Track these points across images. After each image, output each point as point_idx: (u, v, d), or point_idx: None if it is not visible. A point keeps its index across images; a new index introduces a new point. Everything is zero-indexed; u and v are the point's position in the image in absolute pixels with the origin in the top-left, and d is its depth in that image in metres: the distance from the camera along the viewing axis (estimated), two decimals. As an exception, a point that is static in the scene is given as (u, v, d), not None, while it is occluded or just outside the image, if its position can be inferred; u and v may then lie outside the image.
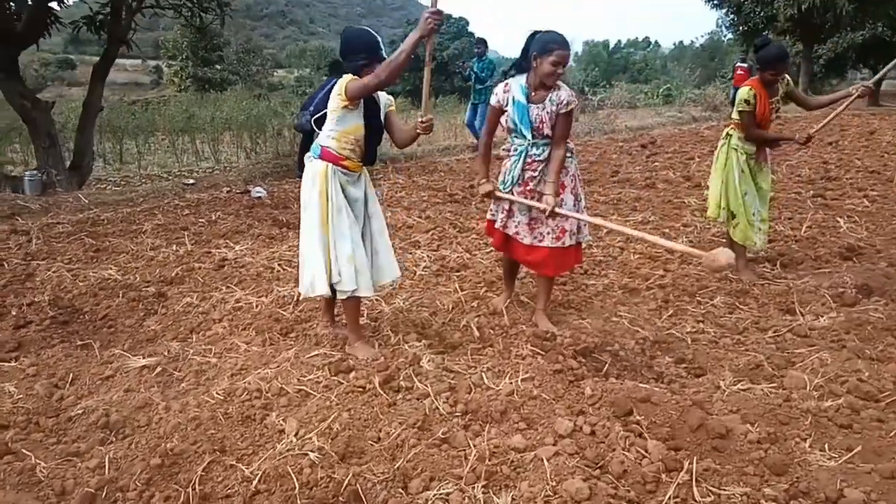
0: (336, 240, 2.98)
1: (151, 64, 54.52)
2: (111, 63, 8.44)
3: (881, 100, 21.61)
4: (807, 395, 2.70)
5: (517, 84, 3.23)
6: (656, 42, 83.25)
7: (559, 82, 3.18)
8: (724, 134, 4.28)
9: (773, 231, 5.19)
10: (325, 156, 3.00)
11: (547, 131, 3.22)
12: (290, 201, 6.80)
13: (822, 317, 3.52)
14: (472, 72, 10.01)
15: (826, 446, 2.37)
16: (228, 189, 7.64)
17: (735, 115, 4.14)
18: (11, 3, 7.70)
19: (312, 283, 3.03)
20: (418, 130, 2.99)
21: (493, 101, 3.33)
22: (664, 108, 17.80)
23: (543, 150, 3.27)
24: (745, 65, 13.52)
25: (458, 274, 4.42)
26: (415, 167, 9.24)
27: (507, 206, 3.40)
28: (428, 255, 4.76)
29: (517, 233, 3.40)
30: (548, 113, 3.19)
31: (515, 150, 3.33)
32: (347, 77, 2.89)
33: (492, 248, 4.97)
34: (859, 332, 3.30)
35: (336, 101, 2.92)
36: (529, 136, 3.25)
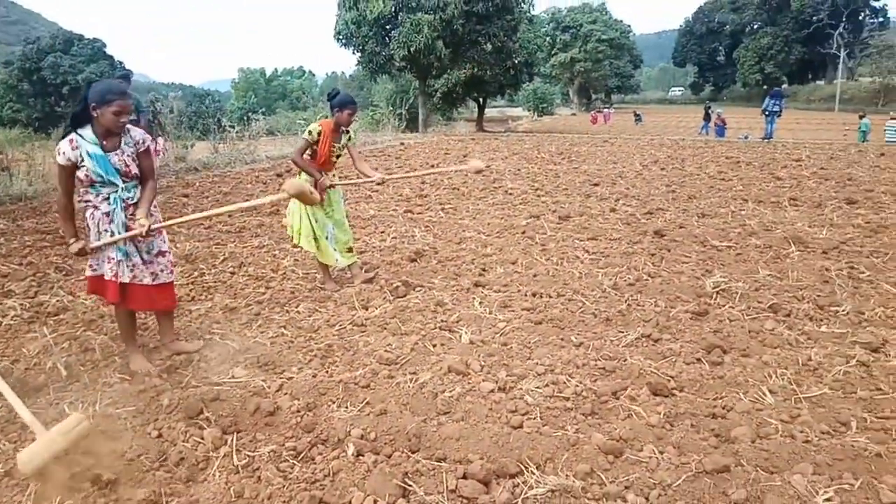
0: None
1: None
2: None
3: (486, 126, 26.54)
4: (343, 369, 3.51)
5: (85, 137, 3.27)
6: (311, 71, 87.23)
7: (128, 125, 3.39)
8: None
9: (364, 243, 6.26)
10: None
11: (135, 171, 3.45)
12: None
13: (377, 308, 4.49)
14: None
15: (349, 404, 3.16)
16: None
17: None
18: None
19: None
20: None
21: (61, 160, 3.25)
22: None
23: (134, 192, 3.47)
24: None
25: (55, 318, 4.36)
26: (24, 209, 8.38)
27: (112, 256, 3.42)
28: (21, 304, 4.56)
29: (135, 276, 3.47)
30: (129, 156, 3.40)
31: (106, 198, 3.38)
32: None
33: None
34: (400, 316, 4.32)
35: None
36: (120, 183, 3.37)
